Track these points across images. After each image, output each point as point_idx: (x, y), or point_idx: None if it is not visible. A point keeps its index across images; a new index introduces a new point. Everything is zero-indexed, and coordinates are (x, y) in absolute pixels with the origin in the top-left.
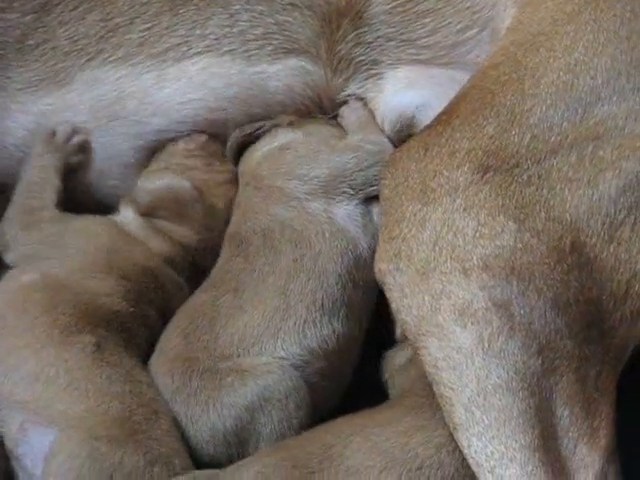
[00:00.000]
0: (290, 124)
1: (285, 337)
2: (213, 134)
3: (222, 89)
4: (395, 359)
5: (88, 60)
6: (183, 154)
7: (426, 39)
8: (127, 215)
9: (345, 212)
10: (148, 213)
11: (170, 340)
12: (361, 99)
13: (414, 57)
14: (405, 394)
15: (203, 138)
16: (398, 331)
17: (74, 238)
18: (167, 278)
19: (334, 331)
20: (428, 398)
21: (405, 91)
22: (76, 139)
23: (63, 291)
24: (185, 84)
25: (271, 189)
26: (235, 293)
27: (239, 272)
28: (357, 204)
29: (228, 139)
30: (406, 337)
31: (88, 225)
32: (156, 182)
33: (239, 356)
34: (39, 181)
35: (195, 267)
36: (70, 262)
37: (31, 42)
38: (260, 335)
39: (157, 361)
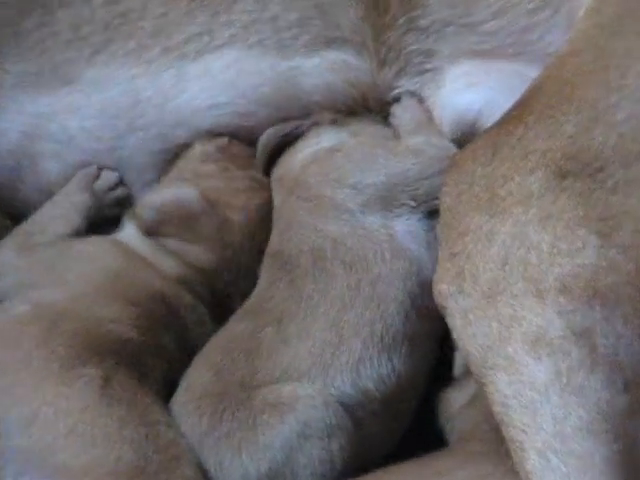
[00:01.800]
0: (333, 122)
1: (336, 375)
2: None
3: (252, 89)
4: (454, 400)
5: (94, 53)
6: (200, 159)
7: (491, 23)
8: (130, 233)
9: (406, 228)
10: (154, 231)
11: (199, 376)
12: (415, 96)
13: (476, 47)
14: (467, 438)
15: (224, 140)
16: (458, 368)
17: (74, 262)
18: (181, 303)
19: (394, 369)
20: (494, 443)
21: (467, 89)
22: (119, 191)
23: (62, 320)
24: (208, 84)
25: (319, 199)
26: (279, 325)
27: (284, 299)
28: (420, 218)
29: (257, 142)
30: (469, 372)
31: (90, 247)
32: (160, 194)
33: (278, 383)
34: (53, 215)
35: (215, 291)
36: (70, 288)
37: (28, 25)
38: (307, 370)
39: (182, 400)
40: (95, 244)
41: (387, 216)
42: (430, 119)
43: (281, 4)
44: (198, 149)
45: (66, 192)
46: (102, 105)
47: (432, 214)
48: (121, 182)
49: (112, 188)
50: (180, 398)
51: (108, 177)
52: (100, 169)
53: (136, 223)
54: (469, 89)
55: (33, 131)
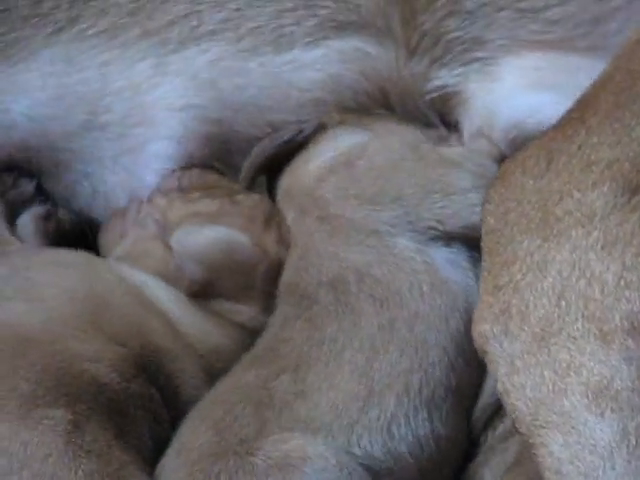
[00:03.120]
0: (346, 122)
1: (364, 433)
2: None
3: (234, 92)
4: (484, 476)
5: (57, 31)
6: (180, 202)
7: (556, 9)
8: (155, 285)
9: (446, 255)
10: (200, 292)
11: (194, 435)
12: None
13: (539, 37)
14: None
15: (176, 175)
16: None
17: (54, 275)
18: (184, 370)
19: (433, 431)
20: None
21: (530, 91)
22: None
23: (28, 348)
24: (185, 82)
25: (338, 220)
26: (296, 373)
27: (301, 342)
28: (462, 246)
29: (236, 160)
30: (512, 431)
31: (80, 261)
32: (204, 240)
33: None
34: None
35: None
36: (44, 308)
37: None
38: (328, 425)
39: (173, 464)
40: (86, 259)
41: (420, 240)
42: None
43: None
44: (160, 194)
45: None
46: (59, 92)
47: (475, 245)
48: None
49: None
50: (170, 463)
51: (25, 189)
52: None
53: (164, 276)
54: (535, 90)
55: None
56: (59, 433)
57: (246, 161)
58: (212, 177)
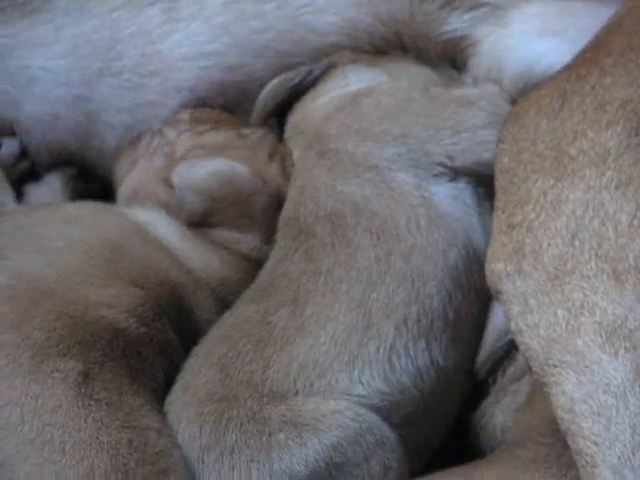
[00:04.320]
0: (358, 61)
1: (365, 368)
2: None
3: (250, 36)
4: (494, 415)
5: None
6: (188, 135)
7: None
8: (157, 219)
9: (448, 191)
10: (199, 222)
11: (201, 371)
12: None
13: None
14: (520, 442)
15: (188, 111)
16: (480, 363)
17: (63, 227)
18: (201, 306)
19: (432, 362)
20: (553, 448)
21: (538, 35)
22: (23, 164)
23: (43, 299)
24: (199, 28)
25: (338, 155)
26: (294, 306)
27: (299, 275)
28: (468, 183)
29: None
30: (518, 375)
31: (87, 212)
32: (205, 172)
33: (297, 394)
34: None
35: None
36: (57, 258)
37: None
38: (329, 364)
39: (179, 402)
40: (92, 208)
41: (421, 176)
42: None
43: None
44: (170, 127)
45: None
46: (73, 41)
47: (483, 182)
48: (24, 152)
49: (16, 161)
50: (177, 400)
51: (9, 146)
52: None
53: (167, 211)
54: (541, 37)
55: None
56: (69, 385)
57: (256, 103)
58: (223, 114)
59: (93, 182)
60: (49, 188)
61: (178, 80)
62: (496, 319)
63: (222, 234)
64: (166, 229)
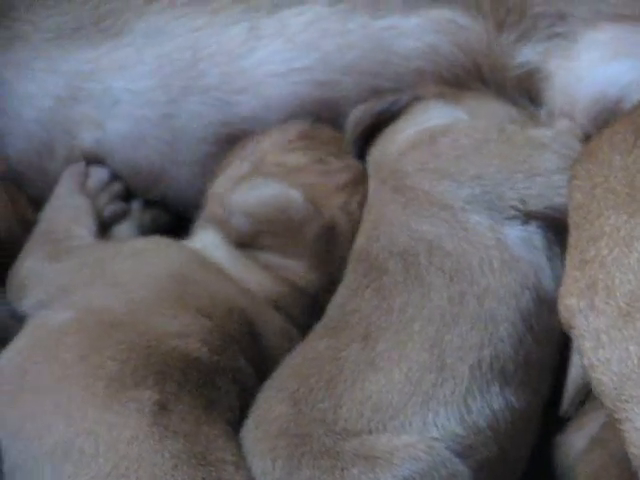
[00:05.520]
0: (440, 96)
1: (439, 409)
2: (319, 120)
3: (336, 53)
4: (572, 444)
5: (148, 1)
6: (282, 147)
7: None
8: (210, 241)
9: (520, 234)
10: (247, 242)
11: (273, 406)
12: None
13: (620, 10)
14: None
15: (306, 124)
16: (567, 404)
17: (129, 262)
18: (268, 326)
19: (507, 404)
20: None
21: (610, 60)
22: (115, 187)
23: (113, 330)
24: (284, 45)
25: (414, 192)
26: (365, 342)
27: (370, 312)
28: (539, 226)
29: (345, 123)
30: (589, 408)
31: (152, 246)
32: (254, 195)
33: (371, 432)
34: (66, 220)
35: (315, 314)
36: (125, 291)
37: None
38: (403, 405)
39: (253, 435)
40: (157, 243)
41: (495, 218)
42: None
43: None
44: (276, 135)
45: (60, 196)
46: (156, 62)
47: (553, 227)
48: (114, 176)
49: (106, 185)
50: (250, 434)
51: (99, 174)
52: (88, 165)
53: (219, 230)
54: (613, 60)
55: (69, 94)
56: (145, 415)
57: (345, 131)
58: (333, 135)
59: (161, 215)
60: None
61: (269, 96)
62: (577, 360)
63: (268, 257)
64: (218, 252)
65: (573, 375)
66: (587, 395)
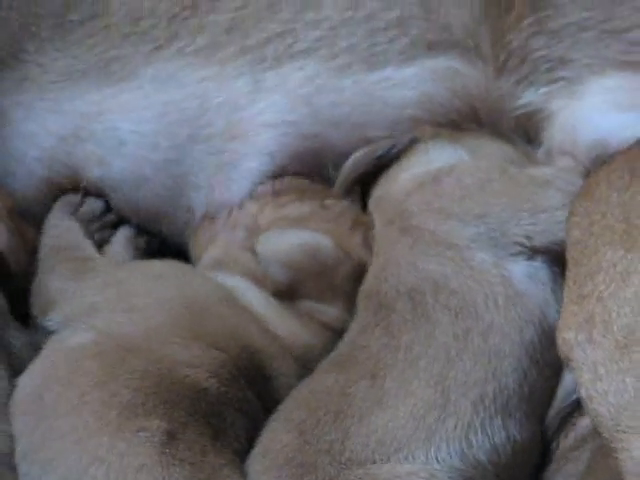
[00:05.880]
0: (439, 137)
1: (442, 444)
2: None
3: (328, 108)
4: (561, 477)
5: (156, 49)
6: (271, 207)
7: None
8: (244, 286)
9: (524, 270)
10: (285, 292)
11: (279, 436)
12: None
13: (623, 57)
14: None
15: (277, 182)
16: (554, 412)
17: (149, 284)
18: (282, 371)
19: (509, 438)
20: None
21: (613, 110)
22: (108, 218)
23: (129, 356)
24: (282, 99)
25: (420, 233)
26: (373, 379)
27: (378, 349)
28: (543, 261)
29: (331, 172)
30: (585, 439)
31: (171, 272)
32: (288, 244)
33: (375, 462)
34: (69, 243)
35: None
36: (143, 317)
37: (75, 17)
38: (407, 440)
39: (259, 465)
40: (176, 268)
41: (500, 255)
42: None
43: (381, 0)
44: (254, 201)
45: (52, 221)
46: (163, 108)
47: (558, 260)
48: (108, 209)
49: (99, 216)
50: (256, 463)
51: (93, 204)
52: (84, 197)
53: (253, 279)
54: (617, 109)
55: (74, 133)
56: (154, 444)
57: (340, 174)
58: (304, 182)
59: (153, 241)
60: (119, 246)
61: (258, 144)
62: (565, 380)
63: (307, 305)
64: (252, 295)
65: (560, 397)
66: (566, 421)
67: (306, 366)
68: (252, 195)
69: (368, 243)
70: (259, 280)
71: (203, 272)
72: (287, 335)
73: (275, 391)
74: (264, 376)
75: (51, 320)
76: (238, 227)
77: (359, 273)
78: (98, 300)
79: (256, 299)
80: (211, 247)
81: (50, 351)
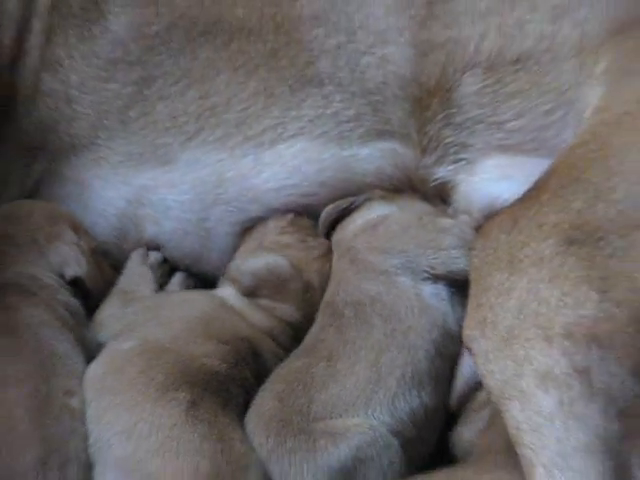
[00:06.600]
0: (382, 197)
1: (376, 407)
2: (301, 214)
3: (315, 174)
4: (464, 434)
5: (188, 139)
6: (276, 232)
7: (514, 122)
8: (229, 292)
9: (432, 290)
10: (250, 292)
11: (266, 402)
12: (451, 186)
13: (503, 142)
14: (486, 452)
15: (292, 216)
16: (455, 399)
17: (174, 308)
18: (266, 348)
19: (422, 404)
20: (508, 456)
21: (497, 180)
22: (166, 267)
23: (162, 354)
24: (280, 169)
25: (364, 263)
26: (328, 362)
27: (332, 342)
28: (446, 284)
29: (320, 217)
30: (486, 402)
31: (189, 296)
32: (256, 263)
33: (332, 418)
34: (137, 280)
35: (297, 340)
36: (172, 328)
37: (132, 114)
38: (353, 403)
39: (252, 421)
40: (195, 294)
41: (415, 279)
42: (472, 219)
43: (342, 102)
44: (272, 223)
45: (131, 266)
46: (193, 182)
47: (454, 283)
48: (165, 259)
49: (159, 264)
50: (251, 420)
51: (155, 256)
52: (148, 250)
53: (233, 285)
54: (499, 180)
55: (137, 199)
56: (181, 409)
57: (319, 221)
58: (307, 222)
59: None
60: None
61: (271, 205)
62: (463, 370)
63: (266, 302)
64: (234, 299)
65: (460, 379)
66: (470, 394)
67: (279, 342)
68: (277, 217)
69: (324, 270)
70: (237, 284)
71: (215, 293)
72: (258, 323)
73: (263, 365)
74: (255, 354)
75: (102, 338)
76: (254, 239)
77: (307, 288)
78: (137, 319)
79: (237, 301)
80: (241, 248)
81: (109, 350)
